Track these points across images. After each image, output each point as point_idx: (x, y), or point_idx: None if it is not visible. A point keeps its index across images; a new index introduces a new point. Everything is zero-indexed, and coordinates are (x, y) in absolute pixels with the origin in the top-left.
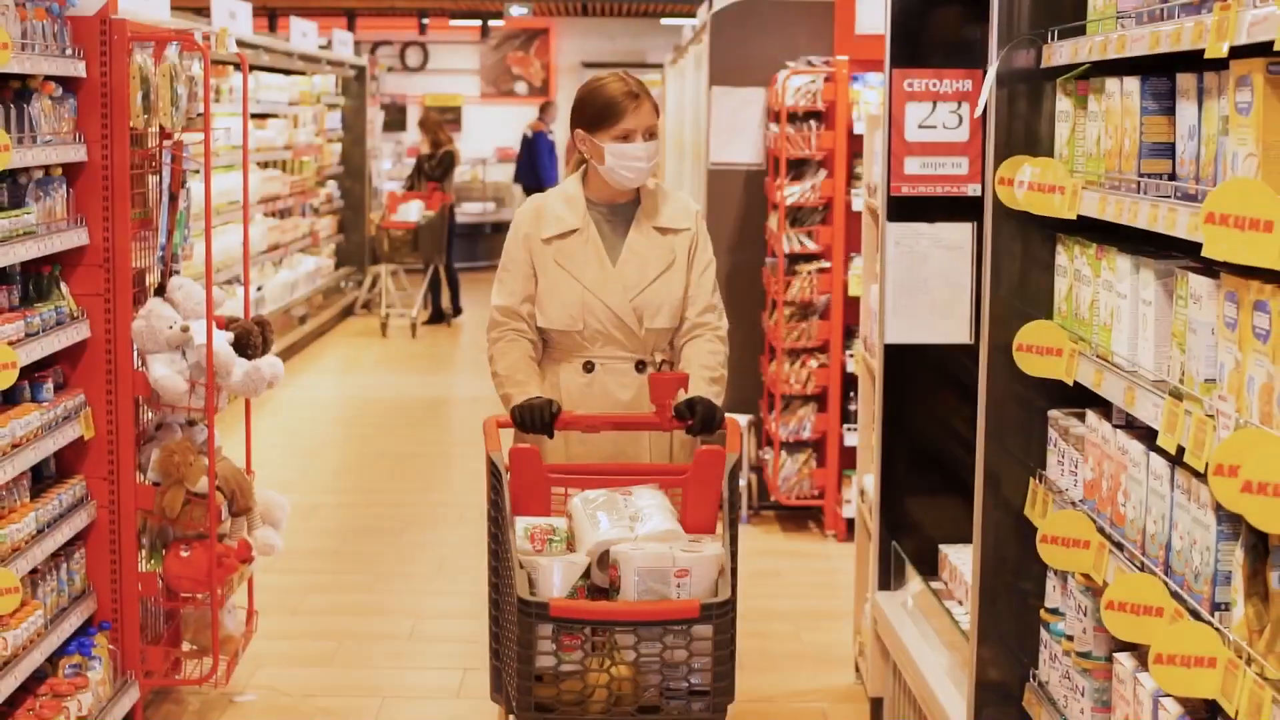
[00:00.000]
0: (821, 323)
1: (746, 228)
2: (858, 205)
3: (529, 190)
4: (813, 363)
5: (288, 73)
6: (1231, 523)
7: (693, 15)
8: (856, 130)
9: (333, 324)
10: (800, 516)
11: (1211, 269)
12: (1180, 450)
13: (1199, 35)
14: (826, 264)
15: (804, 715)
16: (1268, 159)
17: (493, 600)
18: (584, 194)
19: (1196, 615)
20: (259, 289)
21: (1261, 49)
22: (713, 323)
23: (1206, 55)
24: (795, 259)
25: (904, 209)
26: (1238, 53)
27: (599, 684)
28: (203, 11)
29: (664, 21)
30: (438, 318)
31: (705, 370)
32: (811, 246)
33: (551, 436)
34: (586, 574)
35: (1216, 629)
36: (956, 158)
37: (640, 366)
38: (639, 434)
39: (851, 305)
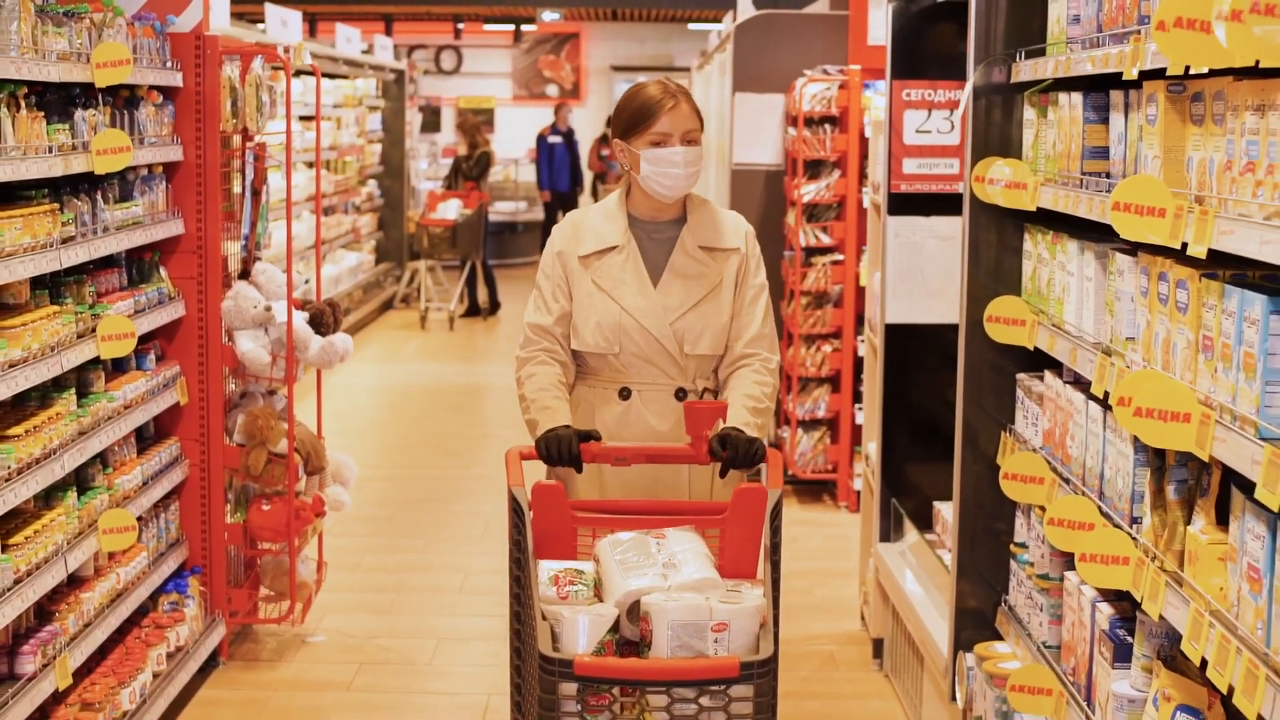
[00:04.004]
0: (835, 311)
1: (766, 223)
2: (869, 203)
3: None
4: (827, 348)
5: (332, 76)
6: (1145, 452)
7: (719, 20)
8: (868, 134)
9: (373, 317)
10: (815, 489)
11: (1135, 250)
12: (1106, 395)
13: (1120, 60)
14: (840, 257)
15: (815, 655)
16: (1167, 160)
17: (515, 649)
18: (626, 210)
19: (1119, 528)
20: (306, 282)
21: (1163, 73)
22: (763, 353)
23: (1123, 78)
24: (811, 252)
25: (903, 204)
26: (1148, 75)
27: None
28: (245, 16)
29: (691, 26)
30: (474, 311)
31: (749, 400)
32: (826, 240)
33: (579, 470)
34: (615, 627)
35: (1131, 536)
36: (949, 159)
37: (680, 394)
38: (679, 465)
39: (863, 294)
